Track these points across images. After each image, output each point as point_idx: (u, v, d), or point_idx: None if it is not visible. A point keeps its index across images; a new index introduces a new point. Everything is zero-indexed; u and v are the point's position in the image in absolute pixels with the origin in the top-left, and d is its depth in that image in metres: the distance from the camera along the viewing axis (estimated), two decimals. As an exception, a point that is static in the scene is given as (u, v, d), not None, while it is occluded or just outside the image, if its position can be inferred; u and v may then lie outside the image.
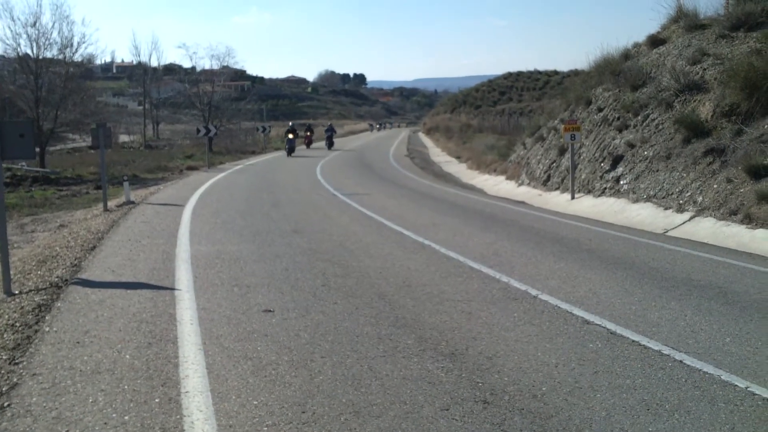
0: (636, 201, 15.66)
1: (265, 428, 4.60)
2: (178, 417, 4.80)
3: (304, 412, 4.83)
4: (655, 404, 4.95)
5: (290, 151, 43.55)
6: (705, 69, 16.59)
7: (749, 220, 11.94)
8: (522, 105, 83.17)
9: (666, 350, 6.06)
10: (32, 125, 9.76)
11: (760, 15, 16.85)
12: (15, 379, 5.55)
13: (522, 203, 19.70)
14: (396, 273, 9.30)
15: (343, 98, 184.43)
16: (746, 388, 5.21)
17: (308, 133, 55.48)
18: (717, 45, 17.15)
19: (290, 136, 44.60)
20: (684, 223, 13.26)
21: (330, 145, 52.19)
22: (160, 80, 77.62)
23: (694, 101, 16.08)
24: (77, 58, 38.53)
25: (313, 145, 55.07)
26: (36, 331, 6.86)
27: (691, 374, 5.51)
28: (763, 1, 17.31)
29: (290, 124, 51.36)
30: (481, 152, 36.55)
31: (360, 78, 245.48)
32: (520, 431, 4.55)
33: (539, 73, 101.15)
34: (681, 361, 5.79)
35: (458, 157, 41.45)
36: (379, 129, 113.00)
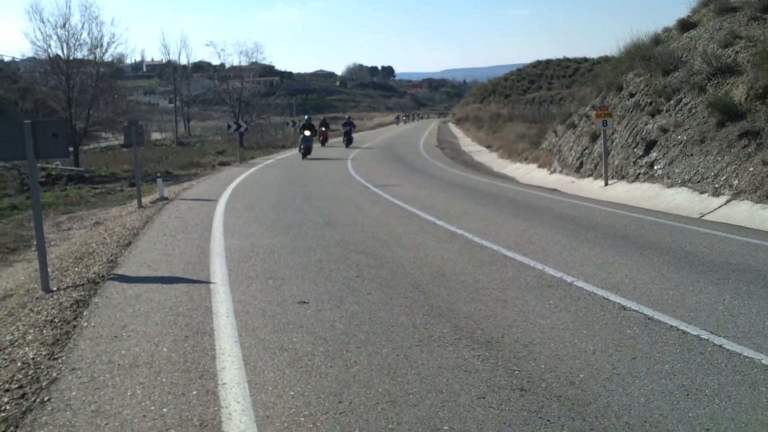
0: (671, 186, 15.49)
1: (302, 418, 4.61)
2: (215, 409, 4.82)
3: (340, 402, 4.84)
4: (695, 389, 4.89)
5: (306, 152, 34.91)
6: (737, 52, 16.35)
7: (787, 203, 11.76)
8: (552, 93, 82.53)
9: (705, 335, 5.99)
10: (65, 125, 9.85)
11: (793, -5, 16.60)
12: (54, 374, 5.61)
13: (555, 191, 19.57)
14: (429, 263, 9.28)
15: (372, 91, 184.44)
16: (788, 371, 5.13)
17: (323, 129, 46.91)
18: (749, 27, 16.91)
19: (306, 132, 35.57)
20: (720, 207, 13.09)
21: (348, 141, 45.66)
22: (189, 78, 78.28)
23: (727, 84, 15.86)
24: (107, 58, 38.96)
25: (330, 142, 48.59)
26: (74, 327, 6.93)
27: (731, 358, 5.44)
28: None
29: (306, 117, 40.91)
30: (512, 141, 36.38)
31: (388, 70, 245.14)
32: (558, 419, 4.52)
33: (568, 60, 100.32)
34: (720, 346, 5.71)
35: (489, 147, 41.28)
36: (405, 121, 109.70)
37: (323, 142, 46.26)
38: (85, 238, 13.00)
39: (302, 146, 35.13)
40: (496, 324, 6.51)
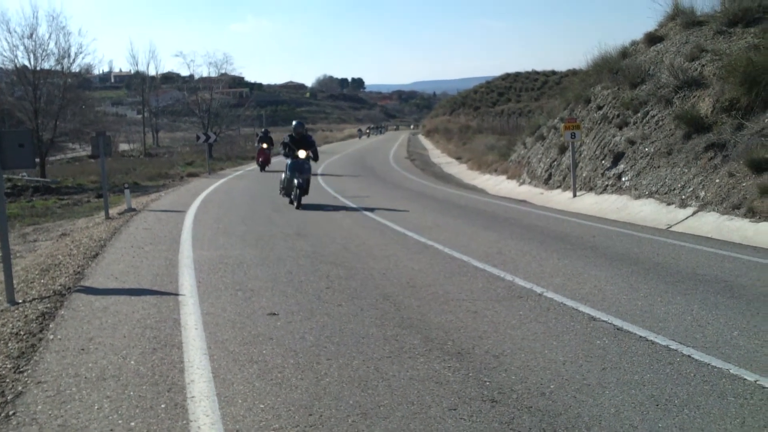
0: (638, 197, 15.63)
1: (272, 431, 4.57)
2: (184, 422, 4.76)
3: (311, 415, 4.80)
4: (665, 400, 4.92)
5: (263, 166, 33.73)
6: (703, 65, 16.58)
7: (752, 214, 11.91)
8: (521, 105, 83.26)
9: (674, 345, 6.03)
10: (31, 135, 9.75)
11: (756, 10, 16.88)
12: (20, 388, 5.52)
13: (524, 202, 19.68)
14: (400, 274, 9.27)
15: (342, 102, 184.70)
16: (755, 381, 5.17)
17: (264, 147, 35.42)
18: (715, 41, 17.14)
19: (264, 145, 34.47)
20: (687, 218, 13.23)
21: (263, 166, 34.66)
22: (158, 89, 77.78)
23: (694, 97, 16.07)
24: (75, 68, 38.62)
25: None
26: (40, 340, 6.82)
27: (699, 369, 5.48)
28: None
29: (262, 130, 37.65)
30: (482, 153, 36.56)
31: (358, 82, 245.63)
32: (528, 429, 4.51)
33: (537, 73, 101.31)
34: (689, 356, 5.75)
35: (458, 158, 41.47)
36: (368, 134, 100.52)
37: (263, 166, 34.77)
38: (51, 250, 12.84)
39: (259, 161, 34.48)
40: (466, 335, 6.51)
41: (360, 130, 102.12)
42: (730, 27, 17.07)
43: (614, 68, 20.69)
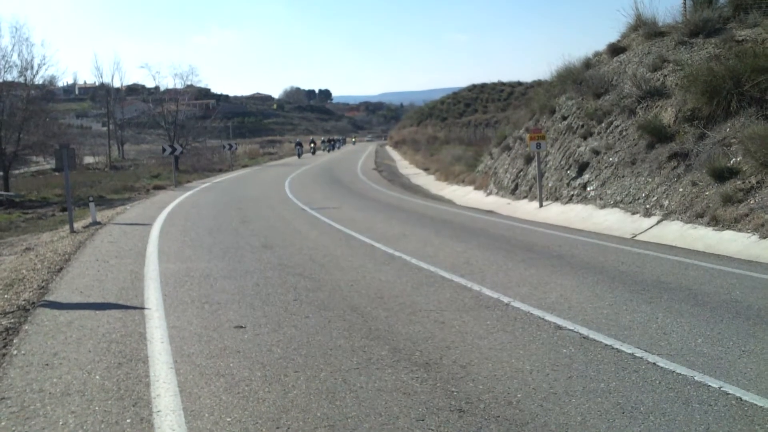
0: (603, 207, 15.77)
1: (240, 445, 4.54)
2: (150, 437, 4.72)
3: (278, 428, 4.78)
4: (630, 407, 4.96)
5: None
6: (666, 75, 16.80)
7: (715, 222, 12.06)
8: (487, 116, 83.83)
9: (639, 353, 6.08)
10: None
11: (717, 21, 17.15)
12: (-18, 405, 5.44)
13: (491, 212, 19.76)
14: (368, 285, 9.27)
15: (309, 114, 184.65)
16: (719, 388, 5.24)
17: None
18: (676, 51, 17.37)
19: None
20: (651, 227, 13.37)
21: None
22: (123, 100, 77.33)
23: (657, 107, 16.26)
24: (38, 80, 38.37)
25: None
26: (4, 355, 6.73)
27: (664, 376, 5.53)
28: (720, 8, 17.60)
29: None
30: (449, 163, 36.68)
31: (325, 93, 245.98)
32: (496, 438, 4.53)
33: (503, 84, 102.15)
34: (654, 364, 5.81)
35: (426, 169, 41.57)
36: (314, 150, 78.68)
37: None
38: (15, 264, 12.66)
39: None
40: (434, 345, 6.52)
41: (298, 145, 73.27)
42: (692, 38, 17.31)
43: (578, 79, 20.87)
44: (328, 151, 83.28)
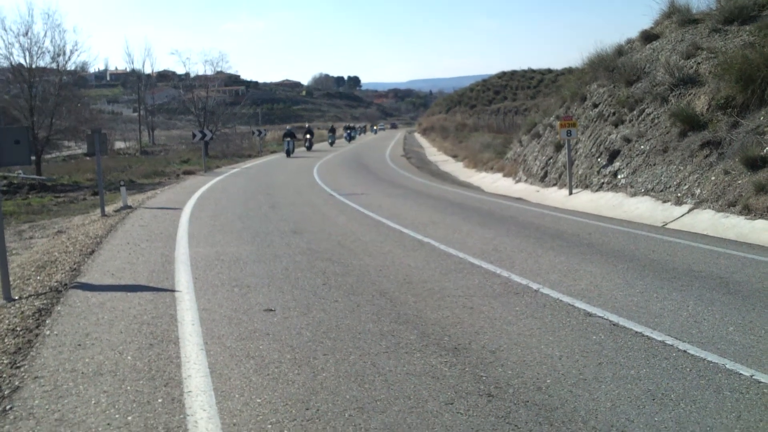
0: (634, 195, 15.65)
1: (269, 426, 4.57)
2: (181, 417, 4.76)
3: (308, 409, 4.81)
4: (661, 394, 4.93)
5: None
6: (699, 63, 16.60)
7: (748, 211, 11.93)
8: (517, 103, 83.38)
9: (669, 340, 6.04)
10: (27, 131, 9.74)
11: (752, 8, 16.89)
12: (17, 383, 5.52)
13: (520, 199, 19.69)
14: (396, 270, 9.28)
15: (338, 101, 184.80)
16: (751, 376, 5.19)
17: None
18: (710, 39, 17.16)
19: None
20: (683, 215, 13.25)
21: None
22: (154, 87, 77.94)
23: (689, 95, 16.09)
24: (70, 66, 38.61)
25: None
26: (37, 335, 6.82)
27: (695, 364, 5.49)
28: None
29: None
30: (478, 151, 36.59)
31: (354, 80, 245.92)
32: (525, 424, 4.52)
33: (533, 71, 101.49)
34: (685, 351, 5.77)
35: (455, 156, 41.49)
36: (350, 135, 72.94)
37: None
38: (47, 247, 12.82)
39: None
40: (462, 330, 6.52)
41: (331, 131, 67.44)
42: (726, 25, 17.09)
43: (610, 66, 20.69)
44: (364, 134, 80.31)
